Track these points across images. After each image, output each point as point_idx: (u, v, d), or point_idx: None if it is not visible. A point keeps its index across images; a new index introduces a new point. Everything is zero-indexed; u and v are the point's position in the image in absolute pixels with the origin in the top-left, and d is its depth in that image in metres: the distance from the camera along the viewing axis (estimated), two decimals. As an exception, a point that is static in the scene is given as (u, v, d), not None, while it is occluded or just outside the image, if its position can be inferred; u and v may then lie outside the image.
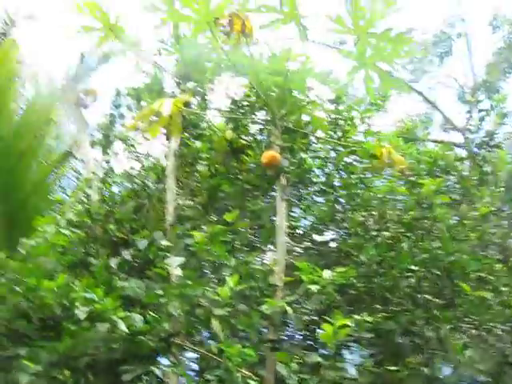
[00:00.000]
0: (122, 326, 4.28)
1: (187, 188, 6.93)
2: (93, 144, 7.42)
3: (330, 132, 6.42)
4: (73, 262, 5.90)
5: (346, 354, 5.91)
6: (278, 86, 5.64)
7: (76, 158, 8.84)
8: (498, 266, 6.12)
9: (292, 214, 7.04)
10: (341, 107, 6.39)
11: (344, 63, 5.57)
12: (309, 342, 5.75)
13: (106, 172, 6.87)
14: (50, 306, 4.63)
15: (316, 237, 6.72)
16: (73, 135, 10.44)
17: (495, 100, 6.49)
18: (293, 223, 6.89)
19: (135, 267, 5.86)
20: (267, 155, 5.63)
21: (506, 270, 6.02)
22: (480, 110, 6.49)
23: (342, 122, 6.38)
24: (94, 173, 6.74)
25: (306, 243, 6.95)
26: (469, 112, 6.68)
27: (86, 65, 11.72)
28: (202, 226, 5.64)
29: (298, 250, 6.90)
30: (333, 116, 6.43)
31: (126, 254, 5.85)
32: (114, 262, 5.82)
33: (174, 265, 5.06)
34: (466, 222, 6.47)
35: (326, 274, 5.00)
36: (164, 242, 5.48)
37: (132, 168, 7.04)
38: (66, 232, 6.14)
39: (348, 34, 5.12)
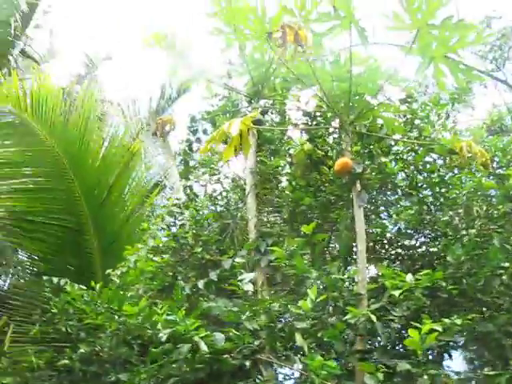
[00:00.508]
0: (203, 346, 4.31)
1: (269, 204, 6.96)
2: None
3: (406, 132, 6.24)
4: (163, 286, 6.08)
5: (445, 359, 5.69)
6: (343, 92, 5.56)
7: (165, 187, 9.17)
8: None
9: (379, 220, 6.92)
10: (414, 106, 6.20)
11: (410, 61, 5.46)
12: (400, 350, 5.56)
13: (189, 196, 7.02)
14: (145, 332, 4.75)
15: (405, 242, 6.54)
16: (161, 165, 10.85)
17: None
18: (380, 230, 6.77)
19: (224, 287, 5.89)
20: (339, 162, 5.56)
21: None
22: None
23: (417, 121, 6.18)
24: (177, 199, 6.90)
25: (396, 249, 6.80)
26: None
27: (167, 96, 12.18)
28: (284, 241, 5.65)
29: (388, 256, 6.78)
30: (407, 116, 6.25)
31: (213, 275, 5.91)
32: (201, 284, 5.92)
33: (246, 280, 5.05)
34: None
35: (409, 278, 4.83)
36: (238, 259, 5.51)
37: (214, 190, 7.18)
38: (155, 258, 6.38)
39: (407, 29, 4.99)
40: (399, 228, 6.74)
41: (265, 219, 6.86)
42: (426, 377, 4.63)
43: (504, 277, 5.19)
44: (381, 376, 4.42)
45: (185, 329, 4.45)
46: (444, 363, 5.74)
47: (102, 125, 8.74)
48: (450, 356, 5.69)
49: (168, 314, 4.61)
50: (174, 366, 4.53)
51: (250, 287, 5.05)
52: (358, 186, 5.56)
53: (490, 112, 8.67)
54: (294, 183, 6.84)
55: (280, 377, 6.02)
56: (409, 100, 6.24)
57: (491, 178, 6.16)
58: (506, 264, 5.20)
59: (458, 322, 4.67)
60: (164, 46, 6.34)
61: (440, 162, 6.32)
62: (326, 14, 5.26)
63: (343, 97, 5.65)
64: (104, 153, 8.19)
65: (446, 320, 4.69)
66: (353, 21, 5.22)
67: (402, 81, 5.64)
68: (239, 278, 5.21)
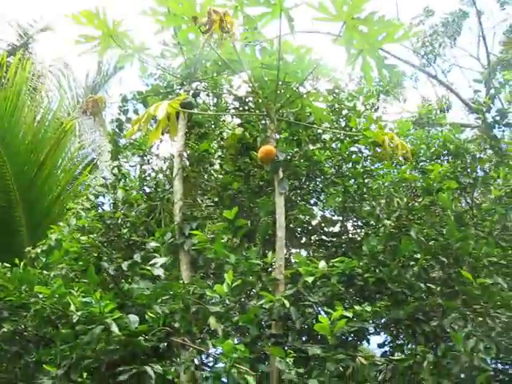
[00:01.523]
0: (114, 328, 4.33)
1: (198, 187, 6.97)
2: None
3: (333, 122, 6.35)
4: (86, 267, 6.04)
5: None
6: (271, 79, 5.61)
7: (97, 167, 9.07)
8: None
9: (307, 206, 7.02)
10: (342, 96, 6.30)
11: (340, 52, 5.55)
12: (317, 336, 5.70)
13: (117, 177, 6.96)
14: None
15: (328, 229, 6.67)
16: (94, 143, 10.72)
17: (506, 77, 6.26)
18: (307, 216, 6.87)
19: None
20: (262, 150, 5.62)
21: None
22: (489, 89, 6.27)
23: (345, 111, 6.29)
24: (104, 178, 6.86)
25: (321, 236, 6.92)
26: (478, 91, 6.47)
27: (104, 72, 12.00)
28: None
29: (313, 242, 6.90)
30: (335, 105, 6.34)
31: (137, 257, 5.91)
32: (125, 265, 5.91)
33: (158, 265, 5.09)
34: (481, 205, 6.33)
35: (322, 265, 4.96)
36: (152, 244, 5.54)
37: (144, 171, 7.14)
38: (83, 237, 6.33)
39: (333, 20, 5.07)
40: (324, 215, 6.88)
41: (192, 202, 6.86)
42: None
43: (415, 268, 5.36)
44: (290, 360, 4.53)
45: (99, 311, 4.45)
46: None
47: (35, 99, 8.56)
48: (368, 341, 5.84)
49: (84, 296, 4.60)
50: (87, 347, 4.52)
51: (160, 272, 5.09)
52: (281, 173, 5.64)
53: (419, 105, 8.88)
54: (223, 167, 6.88)
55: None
56: (336, 90, 6.33)
57: (415, 171, 6.35)
58: (419, 255, 5.36)
59: (369, 308, 4.83)
60: (96, 24, 6.22)
61: (367, 152, 6.44)
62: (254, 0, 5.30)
63: (271, 84, 5.70)
64: (36, 128, 8.04)
65: (357, 307, 4.85)
66: (282, 9, 5.27)
67: (330, 71, 5.72)
68: (151, 262, 5.23)
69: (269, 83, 5.75)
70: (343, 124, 6.44)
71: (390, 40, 5.34)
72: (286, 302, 4.82)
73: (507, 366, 5.70)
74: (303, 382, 4.55)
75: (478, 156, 6.37)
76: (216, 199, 6.99)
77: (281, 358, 4.55)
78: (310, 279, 4.90)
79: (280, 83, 5.62)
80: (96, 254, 6.28)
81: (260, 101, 6.48)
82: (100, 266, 6.03)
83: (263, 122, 6.68)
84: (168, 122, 5.77)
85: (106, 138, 9.51)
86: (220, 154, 7.16)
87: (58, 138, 8.12)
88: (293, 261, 6.31)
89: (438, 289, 5.37)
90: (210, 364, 6.35)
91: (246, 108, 6.68)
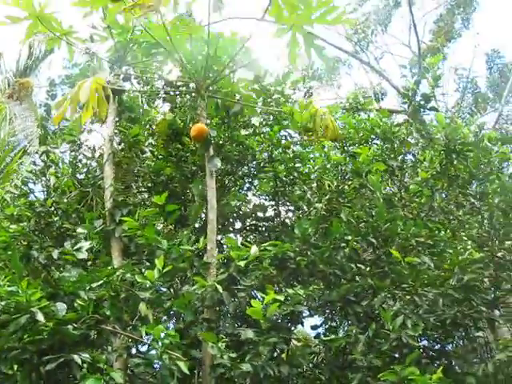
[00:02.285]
0: (40, 316, 4.24)
1: (130, 173, 6.88)
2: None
3: (262, 107, 6.36)
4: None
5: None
6: (200, 53, 5.58)
7: (27, 153, 8.80)
8: (442, 230, 6.10)
9: (239, 192, 7.05)
10: (269, 81, 6.32)
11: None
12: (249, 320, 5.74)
13: (46, 163, 6.80)
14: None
15: (260, 214, 6.71)
16: (25, 130, 10.42)
17: (428, 63, 6.40)
18: (240, 202, 6.90)
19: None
20: (194, 128, 5.60)
21: (449, 234, 5.99)
22: (416, 74, 6.41)
23: (275, 96, 6.31)
24: (35, 163, 6.70)
25: (253, 221, 6.95)
26: (404, 76, 6.60)
27: (35, 56, 11.66)
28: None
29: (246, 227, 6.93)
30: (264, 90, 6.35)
31: (68, 245, 5.80)
32: (56, 254, 5.80)
33: (83, 249, 5.03)
34: (409, 187, 6.48)
35: (253, 249, 4.98)
36: (79, 230, 5.46)
37: (74, 157, 6.99)
38: (13, 226, 6.16)
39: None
40: (259, 200, 6.92)
41: (125, 188, 6.77)
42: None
43: (346, 249, 5.44)
44: (223, 345, 4.54)
45: (25, 299, 4.34)
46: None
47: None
48: (302, 323, 5.91)
49: (10, 285, 4.48)
50: (12, 337, 4.41)
51: (84, 255, 5.02)
52: (211, 151, 5.63)
53: (350, 91, 9.00)
54: (155, 153, 6.81)
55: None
56: (262, 76, 6.33)
57: (344, 154, 6.43)
58: (349, 237, 5.44)
59: (301, 291, 4.88)
60: (21, 5, 6.03)
61: (296, 137, 6.49)
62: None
63: (200, 61, 5.66)
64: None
65: (290, 290, 4.89)
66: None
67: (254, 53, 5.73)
68: (75, 246, 5.16)
69: (198, 60, 5.69)
70: (272, 109, 6.44)
71: (322, 20, 5.35)
72: (218, 286, 4.82)
73: (434, 343, 5.87)
74: (236, 367, 4.56)
75: (405, 140, 6.51)
76: (149, 185, 6.93)
77: (213, 343, 4.56)
78: (242, 263, 4.92)
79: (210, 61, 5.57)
80: (26, 243, 6.15)
81: (189, 78, 6.44)
82: (30, 254, 5.91)
83: (195, 103, 6.63)
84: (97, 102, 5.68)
85: (36, 124, 9.27)
86: (151, 139, 7.08)
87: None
88: (225, 246, 6.34)
89: (368, 269, 5.46)
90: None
91: (177, 93, 6.62)
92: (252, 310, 4.59)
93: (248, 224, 7.00)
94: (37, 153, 7.38)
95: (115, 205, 5.91)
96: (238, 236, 7.04)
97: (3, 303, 4.31)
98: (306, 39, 5.45)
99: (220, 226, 6.54)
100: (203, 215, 6.64)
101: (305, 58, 5.71)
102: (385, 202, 5.72)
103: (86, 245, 5.14)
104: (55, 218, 6.44)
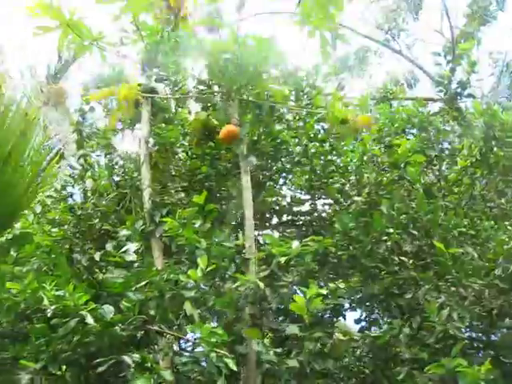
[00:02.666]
0: (89, 319, 4.30)
1: (167, 173, 6.92)
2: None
3: (297, 102, 6.33)
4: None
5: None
6: (231, 61, 5.58)
7: (63, 157, 8.88)
8: (484, 220, 6.03)
9: (275, 187, 7.04)
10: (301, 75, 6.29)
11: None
12: (293, 315, 5.74)
13: (84, 167, 6.87)
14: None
15: (296, 208, 6.69)
16: (60, 134, 10.54)
17: (461, 49, 6.30)
18: (276, 197, 6.89)
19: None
20: (223, 130, 5.62)
21: (492, 223, 5.91)
22: (448, 61, 6.32)
23: (307, 89, 6.27)
24: (73, 167, 6.77)
25: (290, 216, 6.94)
26: (438, 64, 6.49)
27: (64, 61, 11.77)
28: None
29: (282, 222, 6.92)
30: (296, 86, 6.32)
31: (109, 246, 5.87)
32: (97, 256, 5.87)
33: (130, 251, 5.07)
34: (447, 177, 6.40)
35: (295, 244, 4.97)
36: (124, 232, 5.50)
37: (111, 160, 7.05)
38: (54, 229, 6.27)
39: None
40: (293, 195, 6.89)
41: (162, 188, 6.81)
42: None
43: (388, 242, 5.40)
44: (268, 342, 4.56)
45: (73, 303, 4.41)
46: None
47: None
48: (344, 317, 5.89)
49: (57, 289, 4.55)
50: (63, 340, 4.49)
51: (132, 257, 5.07)
52: (244, 149, 5.64)
53: (381, 81, 8.90)
54: (190, 152, 6.83)
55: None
56: (295, 72, 6.30)
57: (380, 146, 6.38)
58: (391, 230, 5.40)
59: (343, 285, 4.86)
60: (51, 15, 6.09)
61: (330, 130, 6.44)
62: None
63: (230, 65, 5.66)
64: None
65: (332, 284, 4.88)
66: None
67: (286, 55, 5.72)
68: (123, 249, 5.21)
69: (228, 65, 5.70)
70: (305, 103, 6.40)
71: (340, 8, 5.28)
72: (260, 283, 4.83)
73: (480, 334, 5.80)
74: (283, 363, 4.56)
75: (442, 128, 6.42)
76: (185, 184, 6.95)
77: (258, 339, 4.57)
78: (283, 259, 4.91)
79: (240, 65, 5.58)
80: (68, 246, 6.25)
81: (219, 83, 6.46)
82: (72, 258, 6.00)
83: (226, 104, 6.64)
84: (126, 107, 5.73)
85: (71, 128, 9.35)
86: (183, 140, 7.10)
87: (22, 129, 7.89)
88: (263, 242, 6.34)
89: (411, 262, 5.41)
90: (189, 349, 6.41)
91: (210, 92, 6.62)
92: (295, 306, 4.58)
93: (284, 219, 6.99)
94: (73, 156, 7.45)
95: (154, 206, 5.94)
96: (275, 231, 7.02)
97: (53, 307, 4.37)
98: (332, 33, 5.41)
99: (257, 222, 6.54)
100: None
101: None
102: (424, 193, 5.66)
103: (132, 246, 5.19)
104: (95, 221, 6.51)
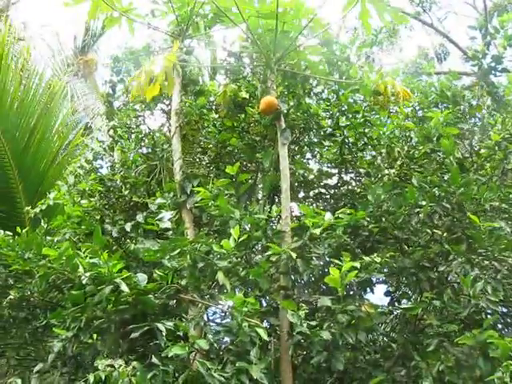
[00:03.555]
0: (124, 287, 4.34)
1: (196, 145, 6.93)
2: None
3: (329, 74, 6.27)
4: (90, 230, 6.01)
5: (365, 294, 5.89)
6: (268, 29, 5.53)
7: (90, 129, 8.95)
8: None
9: (304, 160, 7.01)
10: (335, 47, 6.22)
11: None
12: (323, 287, 5.75)
13: (114, 138, 6.90)
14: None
15: (327, 181, 6.66)
16: (88, 106, 10.58)
17: (500, 21, 6.18)
18: (304, 170, 6.86)
19: (152, 230, 5.86)
20: (264, 101, 5.57)
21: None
22: (484, 35, 6.20)
23: (339, 63, 6.21)
24: (99, 141, 6.80)
25: (319, 189, 6.92)
26: (473, 38, 6.39)
27: (92, 33, 11.75)
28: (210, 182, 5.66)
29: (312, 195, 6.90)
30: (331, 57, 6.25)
31: (140, 217, 5.91)
32: (128, 226, 5.92)
33: (165, 219, 5.09)
34: (480, 151, 6.33)
35: (328, 216, 4.96)
36: (158, 201, 5.53)
37: (140, 132, 7.07)
38: (83, 201, 6.31)
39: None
40: (321, 168, 6.86)
41: (192, 160, 6.83)
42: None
43: (421, 215, 5.36)
44: (303, 314, 4.56)
45: (107, 271, 4.44)
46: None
47: (22, 63, 8.38)
48: (372, 290, 5.88)
49: (91, 257, 4.59)
50: (97, 307, 4.54)
51: (168, 225, 5.09)
52: (283, 123, 5.61)
53: (414, 55, 8.79)
54: (219, 124, 6.82)
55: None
56: (330, 42, 6.23)
57: (413, 119, 6.33)
58: (423, 202, 5.36)
59: (378, 259, 4.84)
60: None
61: (363, 103, 6.40)
62: None
63: (269, 34, 5.62)
64: (24, 92, 7.88)
65: (366, 258, 4.86)
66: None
67: (325, 22, 5.64)
68: (158, 216, 5.23)
69: (266, 33, 5.65)
70: (337, 76, 6.35)
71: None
72: (292, 254, 4.83)
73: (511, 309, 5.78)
74: (316, 335, 4.57)
75: (475, 103, 6.35)
76: (215, 157, 6.96)
77: (293, 311, 4.58)
78: (317, 231, 4.90)
79: (278, 33, 5.51)
80: (98, 217, 6.30)
81: (254, 55, 6.42)
82: (103, 228, 6.04)
83: (260, 75, 6.59)
84: (165, 77, 5.72)
85: (100, 100, 9.39)
86: (214, 112, 7.09)
87: (47, 101, 7.96)
88: (295, 214, 6.33)
89: (444, 235, 5.37)
90: (217, 320, 6.45)
91: (241, 64, 6.59)
92: (330, 278, 4.57)
93: (312, 194, 6.97)
94: (99, 129, 7.49)
95: (185, 177, 5.95)
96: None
97: (87, 275, 4.42)
98: (377, 6, 5.35)
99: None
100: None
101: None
102: (457, 167, 5.61)
103: (168, 214, 5.22)
104: (125, 192, 6.55)
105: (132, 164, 6.78)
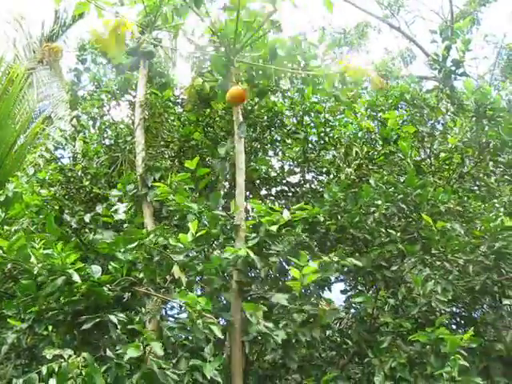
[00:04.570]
0: (76, 277, 4.32)
1: (160, 138, 6.91)
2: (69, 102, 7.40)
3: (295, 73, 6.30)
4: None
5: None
6: (231, 19, 5.53)
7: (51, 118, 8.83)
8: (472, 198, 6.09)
9: (266, 157, 7.04)
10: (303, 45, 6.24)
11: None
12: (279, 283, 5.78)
13: (76, 128, 6.85)
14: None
15: (289, 179, 6.71)
16: (52, 95, 10.44)
17: (457, 27, 6.29)
18: (266, 167, 6.88)
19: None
20: (232, 92, 5.55)
21: (480, 201, 5.98)
22: (444, 39, 6.30)
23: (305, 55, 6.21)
24: (61, 130, 6.74)
25: (281, 186, 6.96)
26: (434, 42, 6.48)
27: (61, 22, 11.60)
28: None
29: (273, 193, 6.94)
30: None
31: (99, 209, 5.88)
32: (87, 217, 5.88)
33: (120, 211, 5.09)
34: (438, 155, 6.44)
35: (285, 214, 4.98)
36: (114, 193, 5.52)
37: (103, 123, 7.03)
38: (42, 190, 6.25)
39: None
40: (283, 166, 6.91)
41: (155, 153, 6.81)
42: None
43: (376, 214, 5.43)
44: (260, 314, 4.59)
45: (60, 262, 4.42)
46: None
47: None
48: (330, 289, 5.94)
49: (45, 248, 4.56)
50: (50, 298, 4.51)
51: (122, 216, 5.08)
52: (240, 117, 5.62)
53: (379, 57, 8.89)
54: (183, 118, 6.81)
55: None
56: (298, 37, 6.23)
57: (373, 121, 6.41)
58: (379, 202, 5.43)
59: (336, 259, 4.88)
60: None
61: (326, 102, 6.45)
62: None
63: (230, 23, 5.60)
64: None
65: (325, 258, 4.90)
66: None
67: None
68: (113, 208, 5.22)
69: (229, 23, 5.63)
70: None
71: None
72: (250, 252, 4.85)
73: (462, 310, 5.90)
74: (271, 336, 4.60)
75: (435, 106, 6.45)
76: (178, 151, 6.95)
77: (252, 311, 4.61)
78: (274, 228, 4.93)
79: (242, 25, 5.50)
80: (57, 207, 6.25)
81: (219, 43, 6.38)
82: (62, 219, 6.00)
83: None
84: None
85: (64, 89, 9.27)
86: (178, 106, 7.07)
87: (6, 86, 7.76)
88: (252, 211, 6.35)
89: (398, 235, 5.46)
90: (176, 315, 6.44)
91: (207, 57, 6.57)
92: (292, 281, 4.63)
93: (274, 191, 7.01)
94: (60, 119, 7.41)
95: (147, 170, 5.93)
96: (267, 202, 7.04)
97: (39, 265, 4.39)
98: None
99: (247, 193, 6.56)
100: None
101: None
102: (414, 169, 5.70)
103: (122, 206, 5.20)
104: (85, 183, 6.51)
105: (94, 155, 6.74)
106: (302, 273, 4.57)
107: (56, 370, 3.99)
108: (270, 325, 4.65)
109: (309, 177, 6.87)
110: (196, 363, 4.32)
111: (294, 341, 4.78)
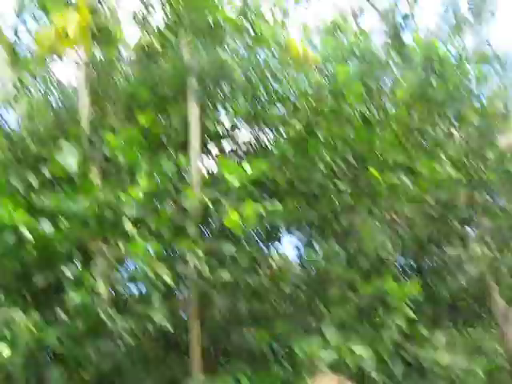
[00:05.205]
0: (27, 234, 4.26)
1: (107, 97, 6.76)
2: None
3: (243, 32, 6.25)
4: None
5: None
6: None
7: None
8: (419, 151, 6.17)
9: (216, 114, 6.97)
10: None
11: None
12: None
13: (19, 90, 6.63)
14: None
15: (238, 136, 6.68)
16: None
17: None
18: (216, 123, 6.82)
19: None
20: None
21: (426, 154, 6.06)
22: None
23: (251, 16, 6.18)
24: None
25: (231, 144, 6.92)
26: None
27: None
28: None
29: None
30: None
31: (45, 170, 5.75)
32: (36, 183, 5.75)
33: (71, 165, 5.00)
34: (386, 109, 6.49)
35: (247, 168, 4.94)
36: (64, 145, 5.43)
37: (47, 83, 6.83)
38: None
39: None
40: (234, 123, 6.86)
41: (101, 112, 6.66)
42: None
43: (324, 168, 5.46)
44: (202, 254, 4.59)
45: (9, 217, 4.34)
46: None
47: None
48: (279, 240, 5.99)
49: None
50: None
51: (74, 169, 5.00)
52: (194, 80, 5.56)
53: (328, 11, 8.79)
54: (130, 77, 6.69)
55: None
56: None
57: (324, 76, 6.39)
58: (328, 157, 5.46)
59: (280, 207, 4.89)
60: None
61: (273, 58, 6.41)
62: None
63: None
64: None
65: (269, 205, 4.90)
66: None
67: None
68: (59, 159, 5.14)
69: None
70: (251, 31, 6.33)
71: None
72: (208, 201, 4.83)
73: (410, 260, 6.04)
74: (216, 275, 4.63)
75: (384, 60, 6.47)
76: (125, 109, 6.82)
77: (191, 250, 4.62)
78: (235, 183, 4.89)
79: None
80: (3, 171, 6.09)
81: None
82: (8, 181, 5.86)
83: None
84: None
85: (4, 50, 8.93)
86: (124, 64, 6.92)
87: None
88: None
89: (347, 188, 5.51)
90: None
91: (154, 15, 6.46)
92: (229, 220, 4.61)
93: (226, 148, 6.96)
94: (10, 78, 7.15)
95: (93, 128, 5.82)
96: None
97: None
98: None
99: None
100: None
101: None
102: (363, 123, 5.73)
103: (73, 160, 5.10)
104: (31, 146, 6.34)
105: (39, 117, 6.57)
106: (244, 216, 4.58)
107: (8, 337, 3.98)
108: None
109: (262, 136, 6.82)
110: (145, 311, 4.33)
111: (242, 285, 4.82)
